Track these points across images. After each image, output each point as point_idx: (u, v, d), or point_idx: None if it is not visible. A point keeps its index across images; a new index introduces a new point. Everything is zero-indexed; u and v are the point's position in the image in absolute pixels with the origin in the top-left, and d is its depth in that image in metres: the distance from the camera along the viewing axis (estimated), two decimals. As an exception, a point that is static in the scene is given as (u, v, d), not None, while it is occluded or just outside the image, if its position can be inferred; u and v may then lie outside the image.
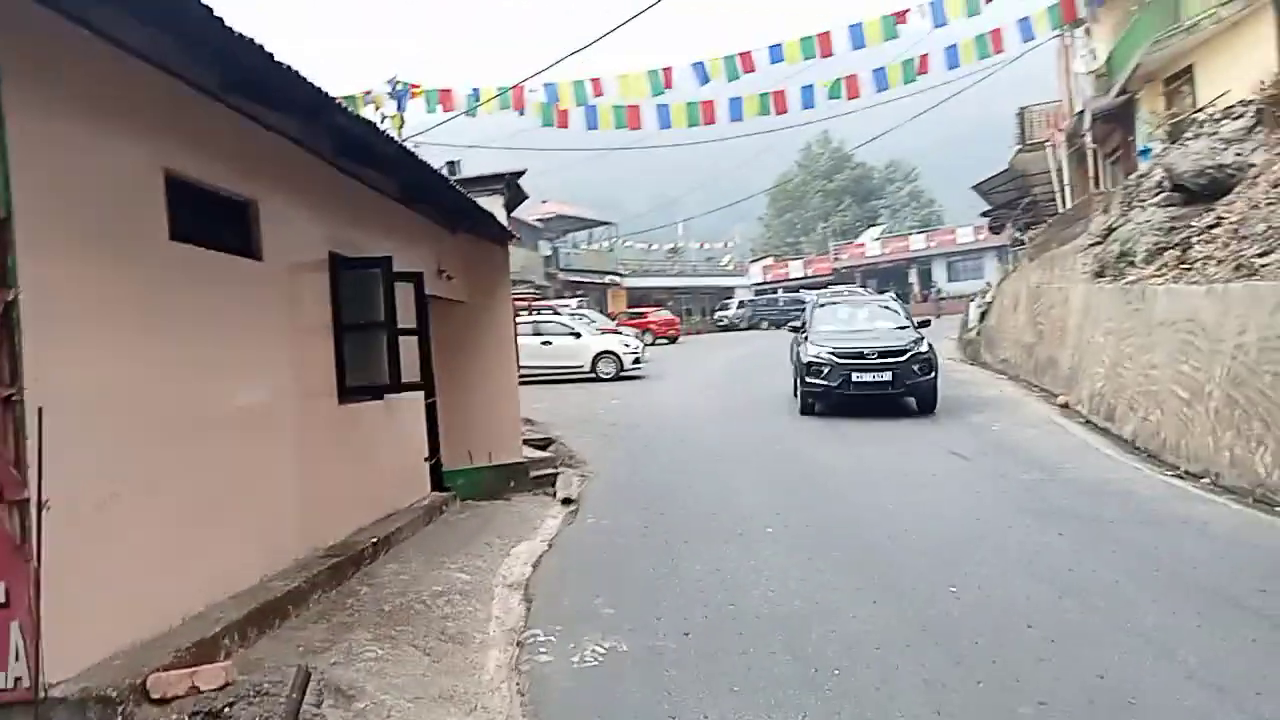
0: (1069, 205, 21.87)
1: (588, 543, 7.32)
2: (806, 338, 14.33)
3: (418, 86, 18.49)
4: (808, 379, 13.60)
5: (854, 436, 11.80)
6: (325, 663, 4.12)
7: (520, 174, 12.70)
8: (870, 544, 6.74)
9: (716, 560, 6.41)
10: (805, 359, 13.72)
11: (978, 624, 4.88)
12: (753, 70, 16.92)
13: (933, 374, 13.38)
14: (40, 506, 3.40)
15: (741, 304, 46.30)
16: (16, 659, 3.34)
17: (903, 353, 13.26)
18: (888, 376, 13.15)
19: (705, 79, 17.16)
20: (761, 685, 4.19)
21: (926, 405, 13.37)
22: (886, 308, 16.01)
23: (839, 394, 13.35)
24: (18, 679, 3.34)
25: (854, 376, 13.19)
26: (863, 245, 56.76)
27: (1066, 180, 23.82)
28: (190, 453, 4.57)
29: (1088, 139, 21.62)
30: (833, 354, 13.38)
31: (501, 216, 10.95)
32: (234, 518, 4.95)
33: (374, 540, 6.35)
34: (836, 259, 56.37)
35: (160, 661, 3.72)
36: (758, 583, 5.84)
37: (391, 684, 4.02)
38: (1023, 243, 27.52)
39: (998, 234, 37.31)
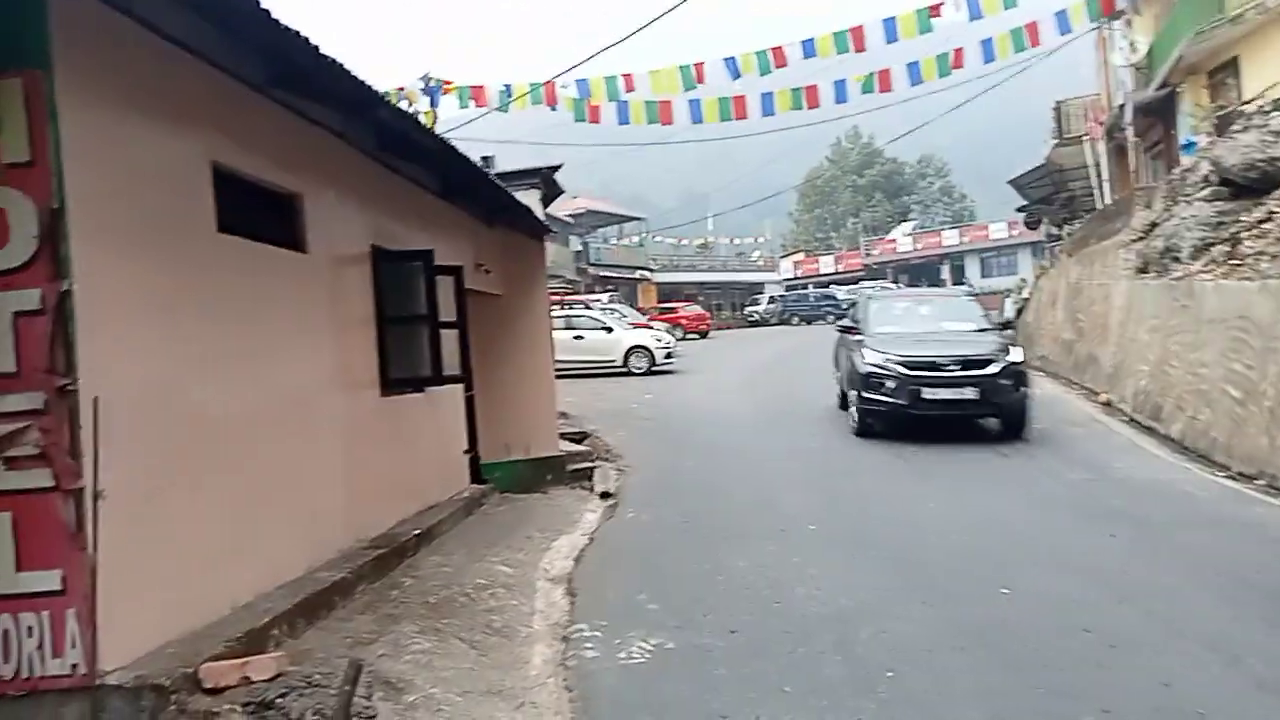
0: (1108, 200, 21.49)
1: (628, 537, 7.27)
2: (862, 341, 11.60)
3: (450, 82, 18.53)
4: (866, 394, 11.01)
5: (891, 433, 11.52)
6: (373, 654, 4.11)
7: (556, 168, 12.68)
8: (915, 543, 6.63)
9: (759, 557, 6.34)
10: (863, 369, 11.07)
11: (1032, 628, 4.77)
12: (785, 65, 16.80)
13: (1025, 390, 10.87)
14: (96, 496, 3.41)
15: (773, 299, 46.01)
16: (73, 646, 3.35)
17: (988, 362, 10.65)
18: (971, 393, 10.56)
19: (737, 74, 17.07)
20: (813, 686, 4.12)
21: (1014, 428, 10.82)
22: (961, 303, 13.21)
23: (906, 413, 10.72)
24: (74, 666, 3.36)
25: (925, 393, 10.56)
26: (894, 240, 56.31)
27: (1105, 175, 23.40)
28: (238, 443, 4.57)
29: (1128, 133, 21.19)
30: (899, 364, 10.73)
31: (538, 211, 10.94)
32: (280, 508, 4.96)
33: (416, 532, 6.36)
34: (868, 254, 55.96)
35: (211, 651, 3.72)
36: (802, 581, 5.76)
37: (440, 677, 4.00)
38: (1059, 238, 27.11)
39: (1033, 229, 36.81)
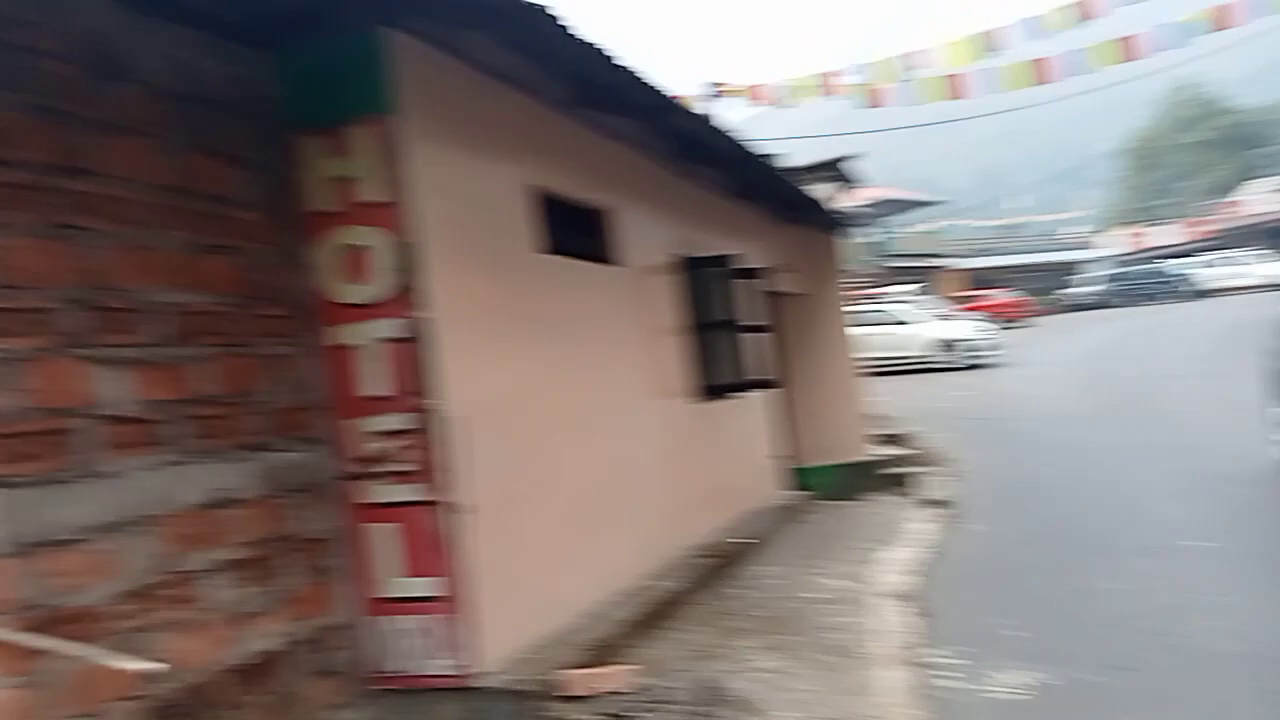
0: None
1: (968, 551, 6.62)
2: None
3: (732, 85, 18.62)
4: None
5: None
6: (716, 670, 4.00)
7: (848, 159, 12.20)
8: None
9: (1135, 579, 5.45)
10: None
11: None
12: (1095, 16, 14.87)
13: None
14: (466, 509, 3.62)
15: (1114, 278, 40.75)
16: (453, 648, 3.57)
17: None
18: None
19: (1039, 34, 15.42)
20: (1243, 744, 3.36)
21: None
22: None
23: None
24: (454, 666, 3.58)
25: None
26: (1243, 202, 48.15)
27: None
28: (570, 453, 4.72)
29: None
30: None
31: (831, 205, 10.57)
32: (612, 517, 5.06)
33: (739, 540, 6.26)
34: (1213, 220, 48.31)
35: (566, 659, 3.82)
36: (1197, 609, 4.83)
37: (790, 699, 3.79)
38: None
39: None
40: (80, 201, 2.88)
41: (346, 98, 3.70)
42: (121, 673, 2.55)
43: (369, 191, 3.69)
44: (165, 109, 3.19)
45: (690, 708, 3.40)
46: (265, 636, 3.30)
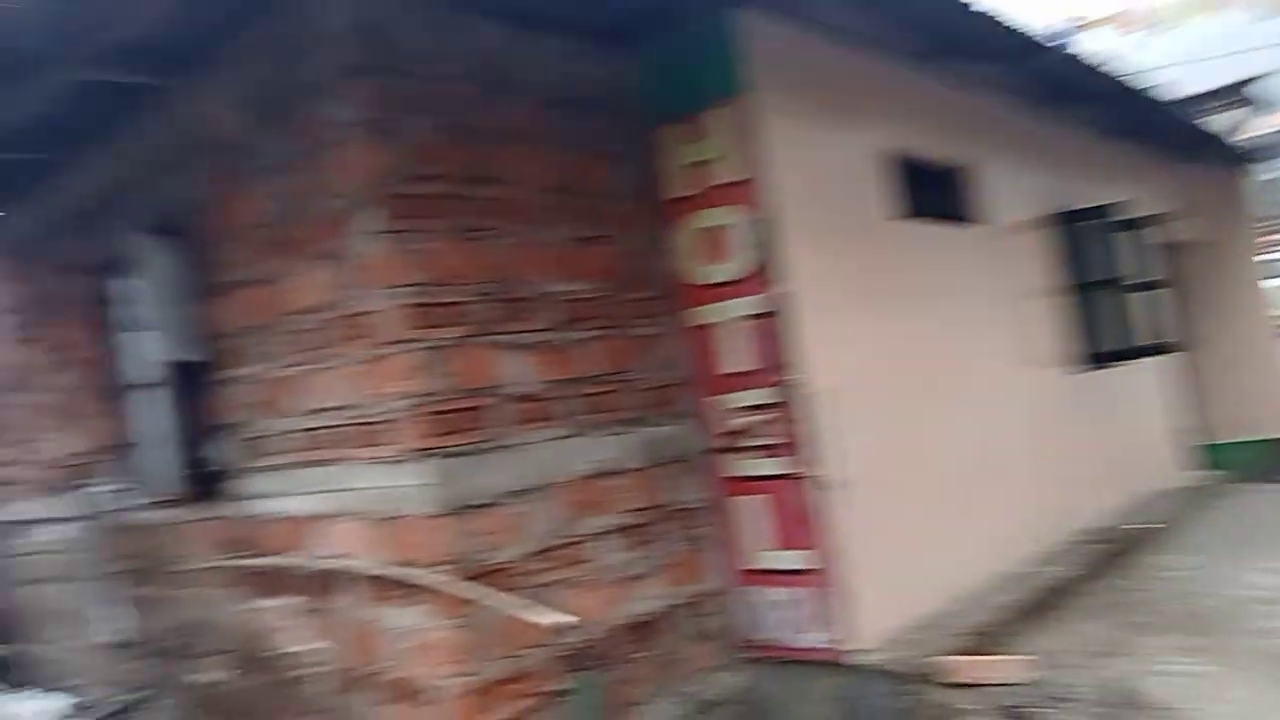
0: None
1: None
2: None
3: (1096, 15, 16.53)
4: None
5: None
6: (1122, 669, 3.54)
7: (1256, 80, 10.25)
8: None
9: None
10: None
11: None
12: None
13: None
14: (838, 483, 3.58)
15: None
16: (825, 623, 3.56)
17: None
18: None
19: None
20: None
21: None
22: None
23: None
24: (826, 641, 3.56)
25: None
26: None
27: None
28: (938, 427, 4.46)
29: None
30: None
31: (1236, 137, 8.94)
32: (986, 496, 4.71)
33: (1137, 526, 5.53)
34: None
35: (941, 644, 3.62)
36: None
37: (1221, 711, 3.24)
38: None
39: None
40: (486, 206, 3.27)
41: (701, 84, 3.80)
42: (536, 623, 2.85)
43: (725, 172, 3.76)
44: (549, 115, 3.52)
45: (1098, 708, 3.04)
46: (648, 598, 3.53)
